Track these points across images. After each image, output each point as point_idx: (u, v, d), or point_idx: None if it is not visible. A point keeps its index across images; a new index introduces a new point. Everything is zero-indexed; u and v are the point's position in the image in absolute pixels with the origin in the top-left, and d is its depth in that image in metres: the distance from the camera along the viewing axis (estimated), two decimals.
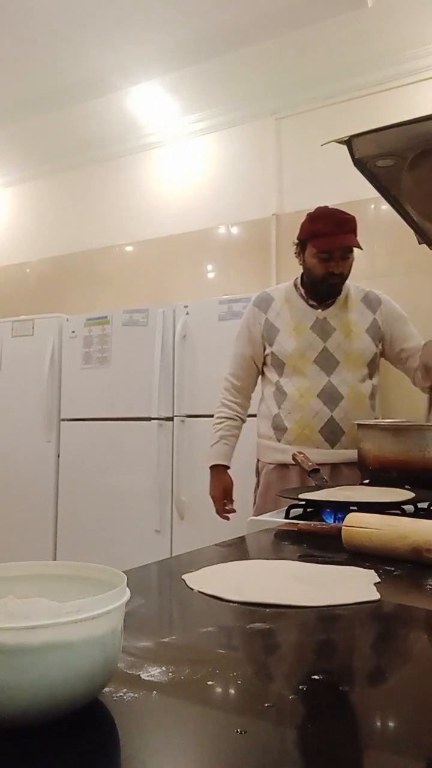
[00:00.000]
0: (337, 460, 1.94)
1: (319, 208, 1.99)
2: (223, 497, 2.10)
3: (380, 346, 2.04)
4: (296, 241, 2.03)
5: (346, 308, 2.02)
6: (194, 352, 3.05)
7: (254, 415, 2.16)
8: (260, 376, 2.15)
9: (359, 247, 1.92)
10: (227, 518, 2.12)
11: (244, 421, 2.16)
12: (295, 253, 2.05)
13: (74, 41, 3.03)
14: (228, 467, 2.11)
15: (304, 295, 2.05)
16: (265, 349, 2.07)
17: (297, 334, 2.00)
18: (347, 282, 2.03)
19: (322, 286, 1.99)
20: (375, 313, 2.03)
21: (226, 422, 2.12)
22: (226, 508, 2.11)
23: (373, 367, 2.03)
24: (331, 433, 1.95)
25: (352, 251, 1.96)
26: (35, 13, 2.84)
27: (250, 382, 2.15)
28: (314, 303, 2.03)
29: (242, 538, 1.17)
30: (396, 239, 3.06)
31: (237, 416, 2.14)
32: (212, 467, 2.12)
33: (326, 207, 1.99)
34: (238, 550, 1.10)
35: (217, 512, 2.12)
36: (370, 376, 2.03)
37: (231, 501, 2.12)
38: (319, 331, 2.00)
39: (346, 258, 1.95)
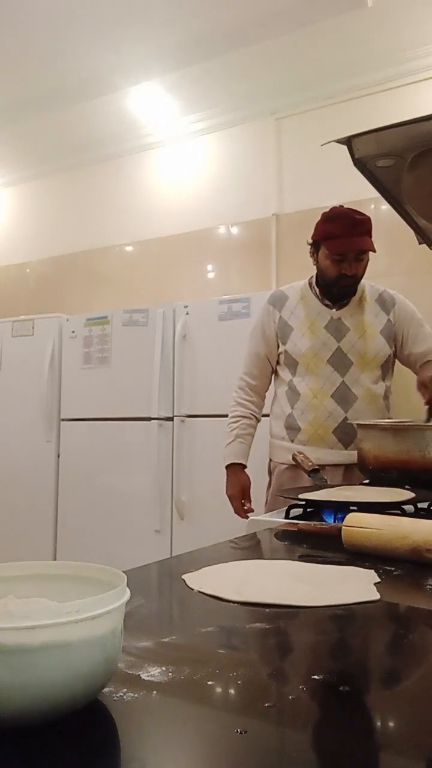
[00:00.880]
0: (351, 460, 1.91)
1: (333, 208, 1.96)
2: (241, 496, 2.05)
3: (393, 348, 2.03)
4: (310, 241, 2.01)
5: (361, 309, 2.01)
6: (194, 352, 3.05)
7: (267, 415, 2.15)
8: (273, 376, 2.13)
9: (373, 249, 1.89)
10: (247, 517, 2.06)
11: (259, 420, 2.12)
12: (310, 252, 2.03)
13: (74, 41, 3.03)
14: (245, 466, 2.07)
15: (318, 294, 2.04)
16: (278, 348, 2.06)
17: (311, 333, 1.99)
18: (362, 281, 2.01)
19: (336, 287, 1.98)
20: (389, 314, 2.02)
21: (241, 421, 2.09)
22: (245, 507, 2.06)
23: (386, 369, 2.02)
24: (345, 434, 1.94)
25: (366, 252, 1.93)
26: (35, 13, 2.83)
27: (264, 381, 2.12)
28: (329, 303, 2.02)
29: (242, 538, 1.17)
30: (396, 239, 3.06)
31: (252, 415, 2.10)
32: (229, 466, 2.07)
33: (341, 207, 1.97)
34: (238, 550, 1.10)
35: (236, 512, 2.06)
36: (384, 377, 2.01)
37: (249, 500, 2.07)
38: (334, 330, 1.99)
39: (360, 260, 1.93)
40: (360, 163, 1.34)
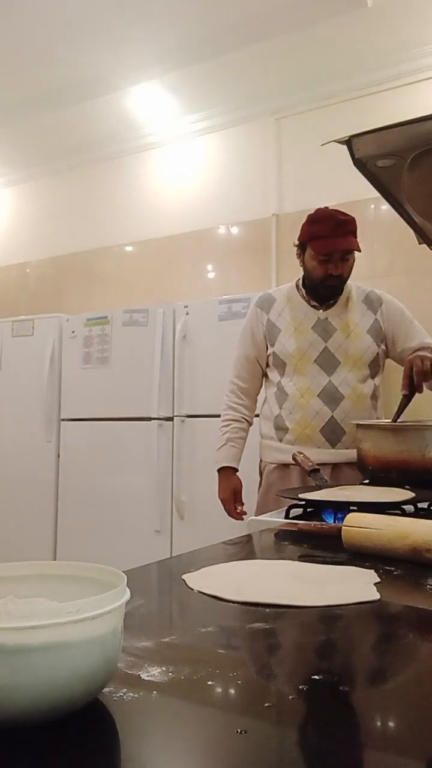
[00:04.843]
0: (338, 459, 1.94)
1: (318, 210, 1.99)
2: (233, 500, 2.07)
3: (383, 346, 2.04)
4: (296, 242, 2.04)
5: (348, 309, 2.02)
6: (194, 352, 3.05)
7: (257, 416, 2.16)
8: (264, 378, 2.14)
9: (358, 249, 1.92)
10: (242, 518, 2.09)
11: (250, 424, 2.13)
12: (296, 254, 2.05)
13: (74, 41, 3.03)
14: (236, 469, 2.09)
15: (305, 295, 2.06)
16: (267, 349, 2.07)
17: (298, 334, 2.01)
18: (349, 282, 2.03)
19: (322, 288, 2.00)
20: (376, 314, 2.03)
21: (233, 424, 2.11)
22: (237, 510, 2.08)
23: (375, 368, 2.03)
24: (332, 433, 1.95)
25: (352, 252, 1.96)
26: (35, 13, 2.83)
27: (255, 384, 2.14)
28: (315, 303, 2.04)
29: (242, 538, 1.17)
30: (396, 239, 3.06)
31: (243, 418, 2.12)
32: (220, 470, 2.09)
33: (325, 208, 1.99)
34: (238, 550, 1.10)
35: (229, 515, 2.09)
36: (372, 376, 2.02)
37: (241, 503, 2.09)
38: (321, 331, 2.00)
39: (345, 260, 1.96)
40: (360, 163, 1.34)
